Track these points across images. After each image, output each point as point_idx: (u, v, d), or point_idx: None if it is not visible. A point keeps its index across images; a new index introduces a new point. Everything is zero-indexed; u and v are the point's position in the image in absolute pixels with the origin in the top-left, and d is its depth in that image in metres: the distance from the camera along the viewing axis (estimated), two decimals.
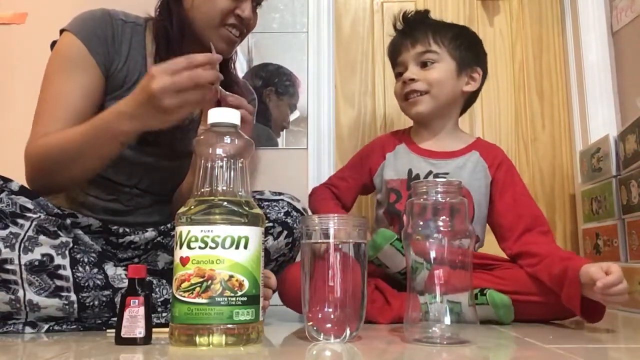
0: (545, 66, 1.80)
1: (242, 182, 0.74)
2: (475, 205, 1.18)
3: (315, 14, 1.76)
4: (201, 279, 0.68)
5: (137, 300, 0.72)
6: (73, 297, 0.85)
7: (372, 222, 1.37)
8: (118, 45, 1.06)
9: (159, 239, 1.06)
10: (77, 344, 0.76)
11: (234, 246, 0.69)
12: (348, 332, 0.73)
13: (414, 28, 1.25)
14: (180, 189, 1.13)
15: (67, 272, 0.85)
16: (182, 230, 0.70)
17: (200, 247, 0.69)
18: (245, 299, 0.69)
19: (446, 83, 1.21)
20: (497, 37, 1.82)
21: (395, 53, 1.28)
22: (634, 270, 1.30)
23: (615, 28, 1.69)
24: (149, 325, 0.72)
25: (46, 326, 0.87)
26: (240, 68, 1.73)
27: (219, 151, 0.73)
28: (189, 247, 0.69)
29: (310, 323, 0.75)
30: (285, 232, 1.08)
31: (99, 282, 0.87)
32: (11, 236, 0.82)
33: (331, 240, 0.74)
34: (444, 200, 0.75)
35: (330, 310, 0.73)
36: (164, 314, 0.90)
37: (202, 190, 0.72)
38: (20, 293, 0.83)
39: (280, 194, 1.14)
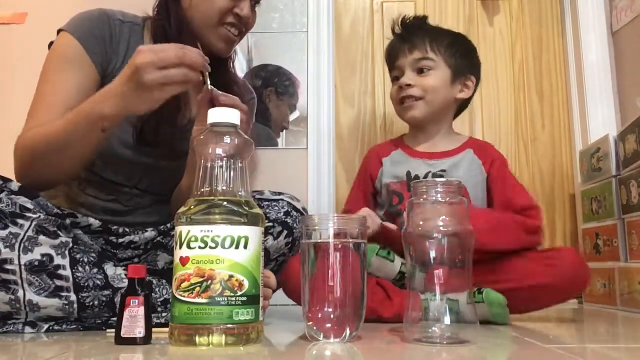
0: (545, 66, 1.80)
1: (242, 182, 0.74)
2: (472, 202, 1.19)
3: (315, 14, 1.76)
4: (201, 279, 0.68)
5: (137, 300, 0.72)
6: (73, 297, 0.85)
7: None
8: (116, 45, 1.06)
9: (159, 239, 1.05)
10: (77, 344, 0.76)
11: (234, 246, 0.69)
12: (348, 332, 0.73)
13: (412, 33, 1.28)
14: (178, 189, 1.13)
15: (67, 272, 0.85)
16: (182, 230, 0.70)
17: (200, 247, 0.69)
18: (245, 299, 0.69)
19: (441, 90, 1.25)
20: (497, 37, 1.82)
21: (392, 57, 1.31)
22: (634, 270, 1.30)
23: (615, 28, 1.69)
24: (149, 325, 0.72)
25: (46, 326, 0.86)
26: (240, 68, 1.73)
27: (219, 151, 0.73)
28: (189, 247, 0.69)
29: (310, 323, 0.75)
30: (285, 232, 1.08)
31: (99, 282, 0.87)
32: (11, 236, 0.82)
33: (331, 240, 0.74)
34: (443, 200, 0.75)
35: (330, 310, 0.73)
36: (164, 314, 0.90)
37: (202, 190, 0.72)
38: (20, 293, 0.83)
39: (280, 194, 1.14)
